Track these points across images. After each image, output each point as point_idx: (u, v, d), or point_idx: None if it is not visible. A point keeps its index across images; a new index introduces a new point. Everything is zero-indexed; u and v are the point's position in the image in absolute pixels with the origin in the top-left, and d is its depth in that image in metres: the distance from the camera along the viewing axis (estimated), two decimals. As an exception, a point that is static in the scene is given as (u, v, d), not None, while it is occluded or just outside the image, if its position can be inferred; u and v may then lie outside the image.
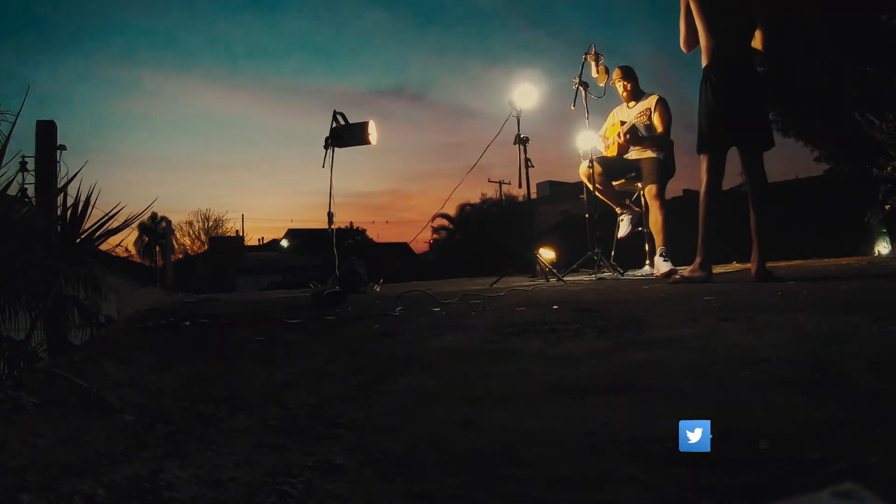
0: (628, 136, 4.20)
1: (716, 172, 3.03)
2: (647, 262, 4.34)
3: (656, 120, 4.20)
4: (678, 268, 4.12)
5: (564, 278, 4.05)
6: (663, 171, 4.13)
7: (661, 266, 3.93)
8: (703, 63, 3.06)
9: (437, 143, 70.74)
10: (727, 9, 3.02)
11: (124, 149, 61.87)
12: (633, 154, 4.30)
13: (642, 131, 4.21)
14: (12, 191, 2.20)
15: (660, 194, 4.05)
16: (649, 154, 4.19)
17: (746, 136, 3.02)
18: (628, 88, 4.37)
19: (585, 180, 4.38)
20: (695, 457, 0.67)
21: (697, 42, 3.12)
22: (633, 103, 4.36)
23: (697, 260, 3.06)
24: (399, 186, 72.63)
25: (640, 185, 4.34)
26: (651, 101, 4.26)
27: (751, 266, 2.98)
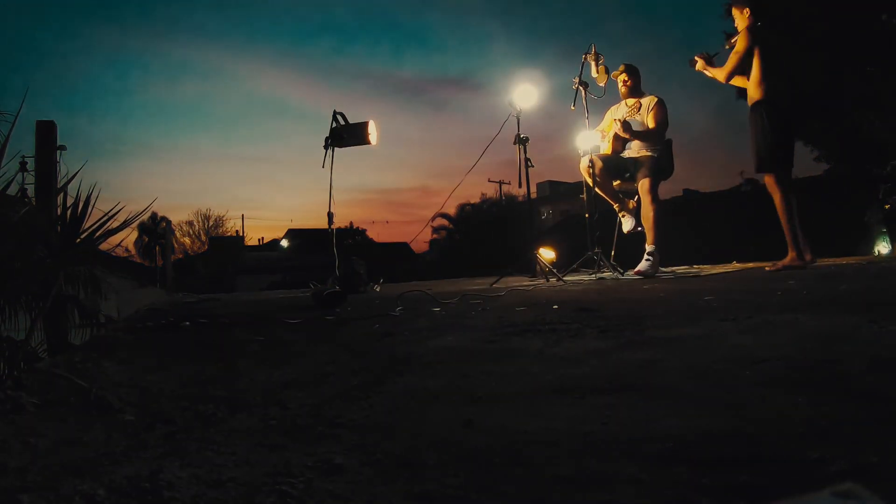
0: (622, 127, 4.21)
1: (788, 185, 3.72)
2: (647, 262, 4.34)
3: (650, 117, 4.21)
4: (676, 268, 4.11)
5: (564, 278, 4.04)
6: (658, 168, 4.14)
7: (641, 265, 3.90)
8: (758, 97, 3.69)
9: (481, 136, 68.75)
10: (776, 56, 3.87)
11: (109, 138, 61.45)
12: (631, 153, 4.30)
13: (636, 126, 4.23)
14: (12, 191, 2.20)
15: (652, 189, 4.04)
16: (646, 153, 4.20)
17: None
18: (628, 84, 4.39)
19: (586, 176, 4.38)
20: (695, 457, 0.67)
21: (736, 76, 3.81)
22: (631, 100, 4.38)
23: (792, 254, 3.65)
24: (429, 183, 71.16)
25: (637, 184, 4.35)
26: (649, 101, 4.28)
27: (808, 256, 3.67)
